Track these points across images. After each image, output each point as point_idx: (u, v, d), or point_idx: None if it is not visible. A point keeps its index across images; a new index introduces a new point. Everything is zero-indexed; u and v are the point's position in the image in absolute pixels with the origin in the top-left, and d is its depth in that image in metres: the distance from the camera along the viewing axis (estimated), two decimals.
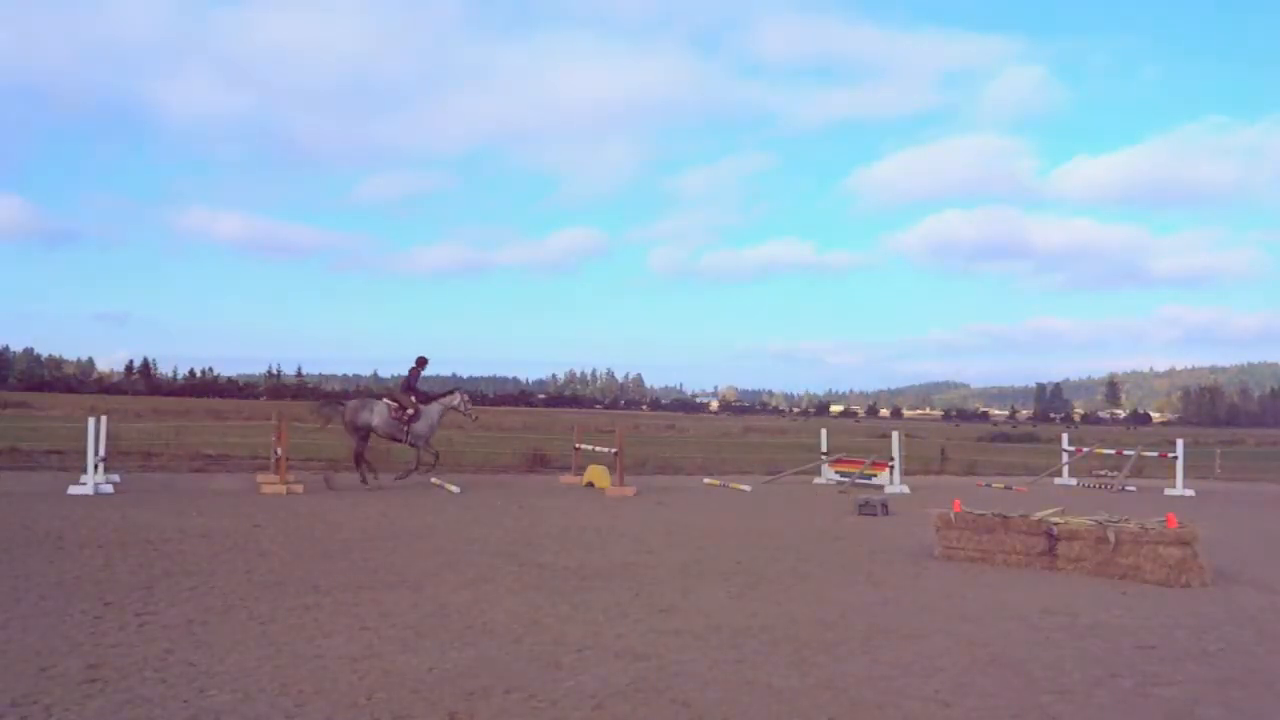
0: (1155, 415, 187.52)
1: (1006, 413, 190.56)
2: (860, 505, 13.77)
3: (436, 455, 16.54)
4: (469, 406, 17.09)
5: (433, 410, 16.41)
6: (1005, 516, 9.42)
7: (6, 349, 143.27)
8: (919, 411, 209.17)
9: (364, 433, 15.87)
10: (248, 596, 6.75)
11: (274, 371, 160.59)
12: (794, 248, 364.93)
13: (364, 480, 15.39)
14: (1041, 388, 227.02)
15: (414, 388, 16.52)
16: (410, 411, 16.00)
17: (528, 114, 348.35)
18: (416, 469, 16.20)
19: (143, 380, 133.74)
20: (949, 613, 6.92)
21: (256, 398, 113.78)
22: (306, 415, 18.94)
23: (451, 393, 17.10)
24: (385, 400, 16.33)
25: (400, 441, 16.34)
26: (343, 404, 16.62)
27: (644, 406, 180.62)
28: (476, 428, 21.73)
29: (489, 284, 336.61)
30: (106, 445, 14.21)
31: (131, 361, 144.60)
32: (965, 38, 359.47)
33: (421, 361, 16.68)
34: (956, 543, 9.54)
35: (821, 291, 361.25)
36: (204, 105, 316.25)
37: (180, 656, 5.15)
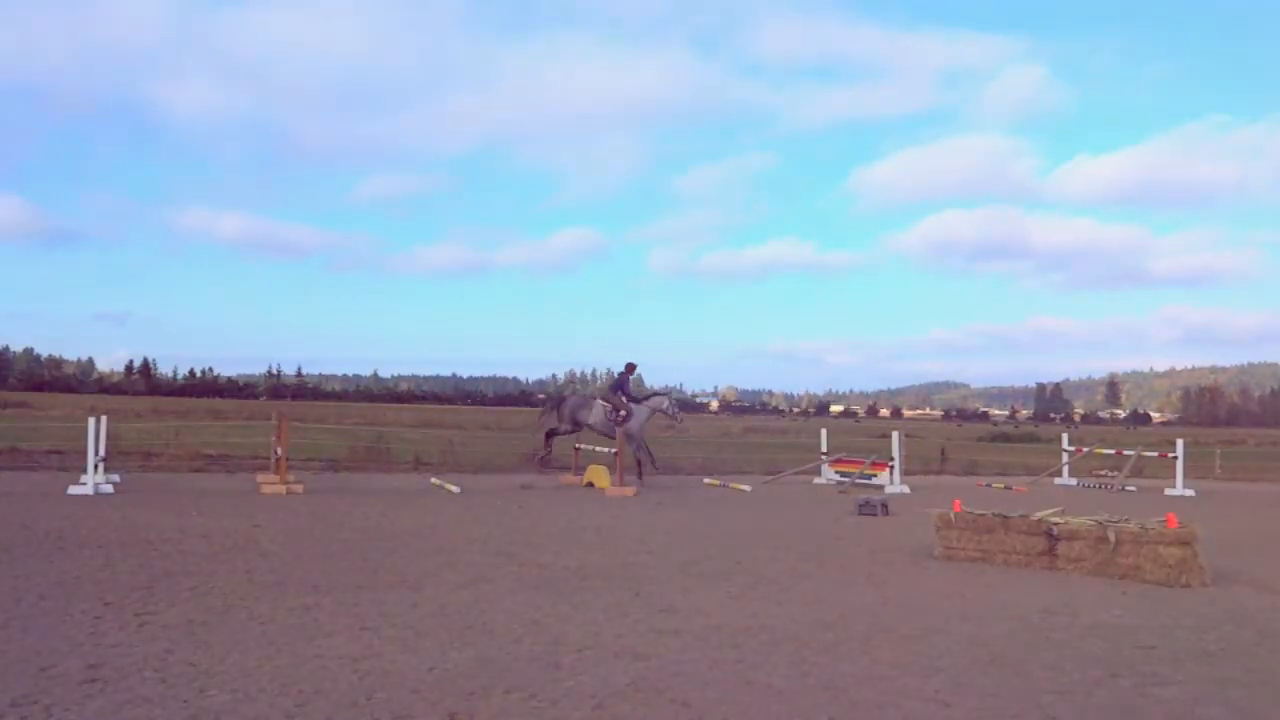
0: (1155, 415, 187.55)
1: (1006, 413, 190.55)
2: (860, 505, 13.78)
3: (651, 457, 17.38)
4: (676, 411, 18.18)
5: (642, 411, 17.49)
6: (1005, 516, 9.42)
7: (6, 349, 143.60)
8: (919, 411, 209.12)
9: (577, 427, 17.28)
10: (248, 596, 6.75)
11: (274, 371, 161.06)
12: (794, 248, 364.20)
13: (543, 461, 16.97)
14: (1041, 388, 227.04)
15: (625, 390, 17.59)
16: (623, 413, 17.19)
17: (528, 114, 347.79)
18: (640, 475, 17.19)
19: (143, 380, 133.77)
20: (949, 613, 6.91)
21: (256, 398, 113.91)
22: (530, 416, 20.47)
23: (660, 395, 18.36)
24: (600, 401, 17.55)
25: (612, 438, 17.11)
26: (565, 399, 18.03)
27: None
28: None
29: (489, 284, 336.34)
30: (106, 445, 14.21)
31: (131, 361, 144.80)
32: (966, 38, 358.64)
33: (630, 367, 18.00)
34: (956, 543, 9.54)
35: (821, 291, 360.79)
36: (204, 105, 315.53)
37: (180, 656, 5.15)
